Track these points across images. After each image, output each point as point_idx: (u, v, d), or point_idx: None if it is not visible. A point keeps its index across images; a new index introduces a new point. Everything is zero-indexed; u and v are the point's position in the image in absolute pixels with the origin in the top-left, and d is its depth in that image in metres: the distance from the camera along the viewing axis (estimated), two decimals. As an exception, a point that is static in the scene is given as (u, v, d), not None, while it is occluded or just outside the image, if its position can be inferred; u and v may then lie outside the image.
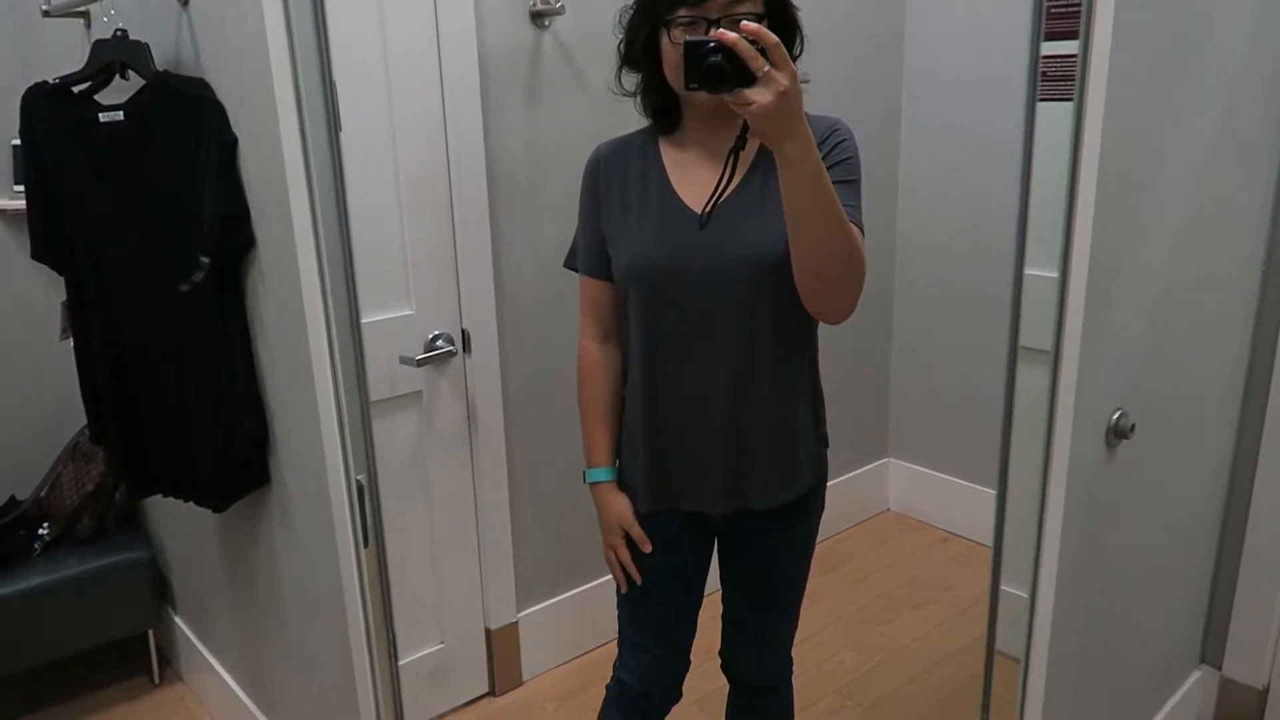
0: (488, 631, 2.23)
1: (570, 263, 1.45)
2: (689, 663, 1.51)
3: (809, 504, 1.43)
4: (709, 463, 1.34)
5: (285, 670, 1.84)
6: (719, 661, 1.56)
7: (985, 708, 1.33)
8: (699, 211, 1.26)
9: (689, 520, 1.40)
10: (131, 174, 1.56)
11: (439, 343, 2.02)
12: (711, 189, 1.24)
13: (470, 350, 2.08)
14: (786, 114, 1.06)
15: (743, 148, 1.19)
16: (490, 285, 2.07)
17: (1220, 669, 1.95)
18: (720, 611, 1.52)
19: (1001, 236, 2.61)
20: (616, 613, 1.51)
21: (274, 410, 1.59)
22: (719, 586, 1.53)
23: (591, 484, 1.44)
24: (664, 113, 1.33)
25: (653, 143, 1.34)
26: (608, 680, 1.53)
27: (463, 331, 2.07)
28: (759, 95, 1.04)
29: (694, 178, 1.30)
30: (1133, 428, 1.45)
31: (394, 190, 1.92)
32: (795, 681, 2.27)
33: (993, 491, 2.75)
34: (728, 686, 1.60)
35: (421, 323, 2.00)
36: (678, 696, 1.53)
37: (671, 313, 1.30)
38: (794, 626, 1.53)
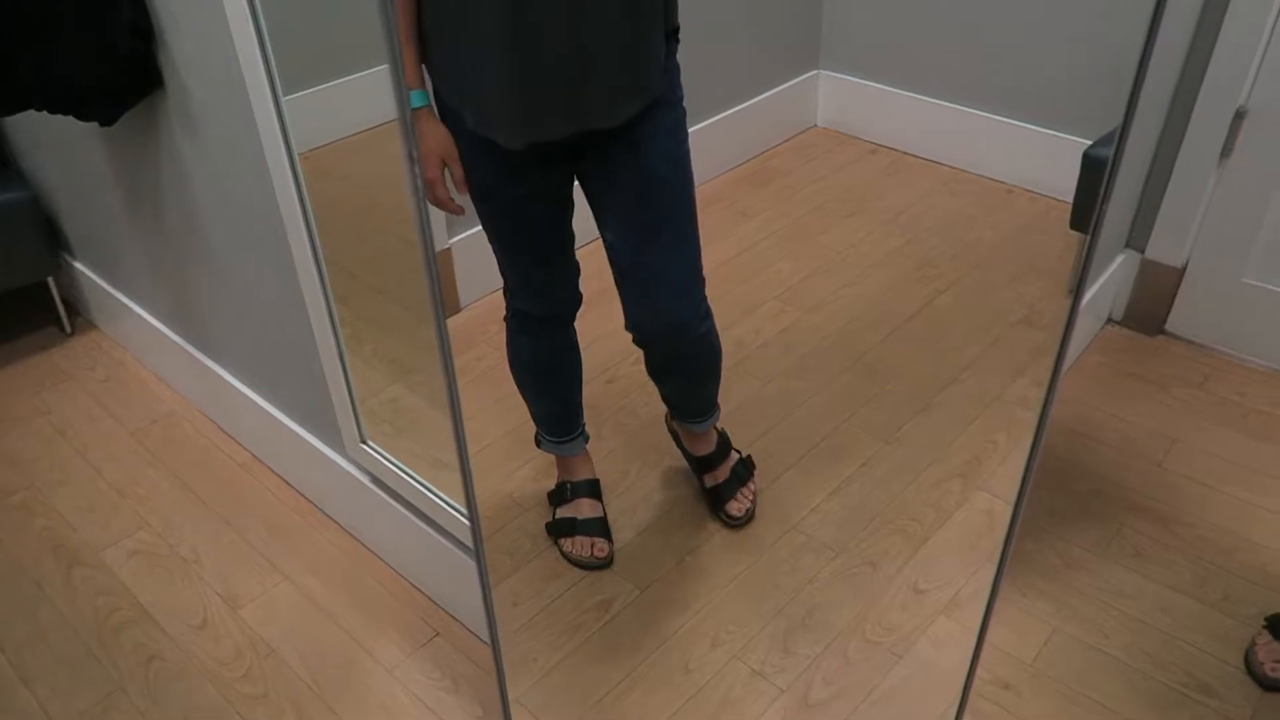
0: (421, 259, 2.14)
1: None
2: (579, 266, 1.41)
3: (666, 99, 1.23)
4: (546, 78, 1.14)
5: (218, 302, 1.73)
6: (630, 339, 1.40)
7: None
8: None
9: (534, 145, 1.22)
10: None
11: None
12: None
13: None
14: None
15: None
16: None
17: (1143, 252, 2.04)
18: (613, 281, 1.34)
19: None
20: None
21: (156, -3, 1.34)
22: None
23: None
24: None
25: None
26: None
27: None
28: None
29: None
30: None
31: None
32: (736, 291, 2.33)
33: (924, 98, 2.71)
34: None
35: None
36: (579, 300, 1.45)
37: None
38: (694, 256, 1.33)
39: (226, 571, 1.68)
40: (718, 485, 1.67)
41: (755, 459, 1.73)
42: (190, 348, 1.93)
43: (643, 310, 1.34)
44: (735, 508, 1.65)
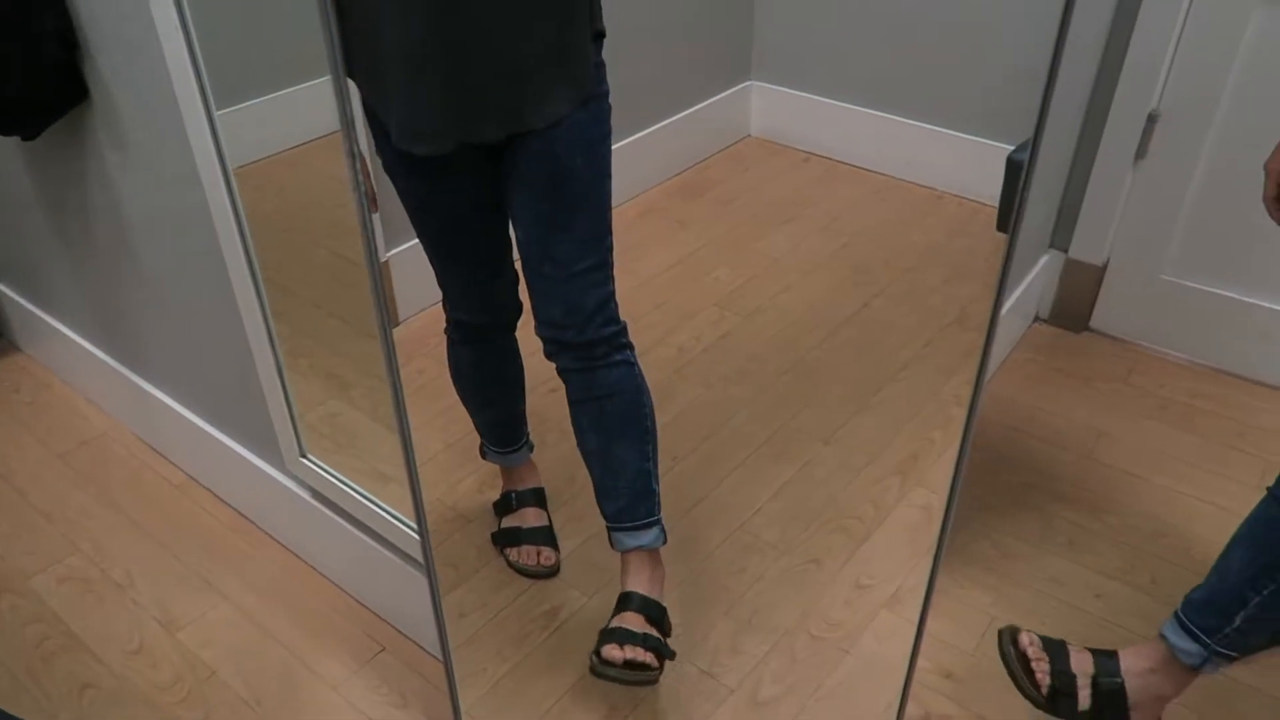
0: (358, 273, 2.12)
1: None
2: (517, 275, 1.37)
3: (591, 94, 1.22)
4: (469, 80, 1.13)
5: (149, 319, 1.69)
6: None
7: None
8: None
9: (461, 150, 1.20)
10: None
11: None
12: None
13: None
14: None
15: None
16: None
17: (1067, 251, 2.11)
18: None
19: None
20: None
21: (82, 5, 1.31)
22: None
23: None
24: None
25: None
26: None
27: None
28: None
29: None
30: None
31: None
32: (675, 298, 2.34)
33: (855, 107, 2.76)
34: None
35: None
36: (519, 308, 1.42)
37: None
38: (605, 251, 1.27)
39: (162, 594, 1.64)
40: (618, 628, 1.32)
41: (698, 463, 1.74)
42: (120, 367, 1.88)
43: (550, 302, 1.28)
44: (612, 650, 1.28)
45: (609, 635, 1.31)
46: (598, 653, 1.29)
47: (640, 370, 1.35)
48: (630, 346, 1.33)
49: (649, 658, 1.29)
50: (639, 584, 1.38)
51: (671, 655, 1.36)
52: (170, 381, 1.78)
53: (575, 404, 1.35)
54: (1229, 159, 1.86)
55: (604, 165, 1.25)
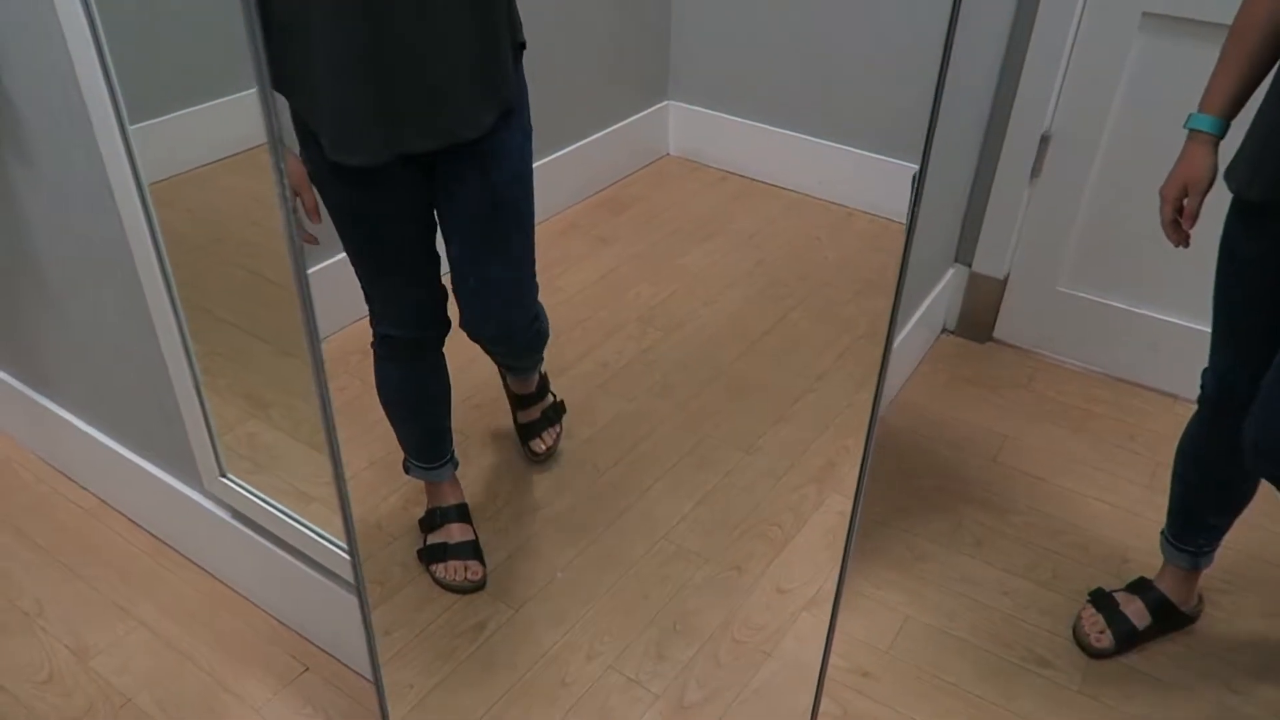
0: (276, 291, 2.10)
1: None
2: (445, 291, 1.41)
3: (516, 115, 1.28)
4: (399, 91, 1.16)
5: (56, 339, 1.65)
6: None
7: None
8: None
9: (393, 163, 1.24)
10: None
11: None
12: None
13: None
14: None
15: None
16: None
17: (970, 265, 2.21)
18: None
19: None
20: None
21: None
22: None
23: None
24: None
25: None
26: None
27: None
28: None
29: None
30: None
31: None
32: (598, 314, 2.37)
33: (770, 127, 2.84)
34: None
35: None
36: (447, 324, 1.45)
37: None
38: (531, 267, 1.39)
39: (74, 622, 1.59)
40: (529, 423, 1.79)
41: (622, 475, 1.77)
42: (23, 388, 1.82)
43: (480, 316, 1.41)
44: (538, 444, 1.79)
45: (530, 430, 1.78)
46: (530, 447, 1.79)
47: (544, 314, 1.53)
48: (542, 310, 1.50)
49: (556, 432, 1.80)
50: (523, 386, 1.75)
51: (564, 408, 1.82)
52: (79, 403, 1.73)
53: (488, 350, 1.53)
54: (1116, 177, 1.98)
55: (532, 188, 1.33)
